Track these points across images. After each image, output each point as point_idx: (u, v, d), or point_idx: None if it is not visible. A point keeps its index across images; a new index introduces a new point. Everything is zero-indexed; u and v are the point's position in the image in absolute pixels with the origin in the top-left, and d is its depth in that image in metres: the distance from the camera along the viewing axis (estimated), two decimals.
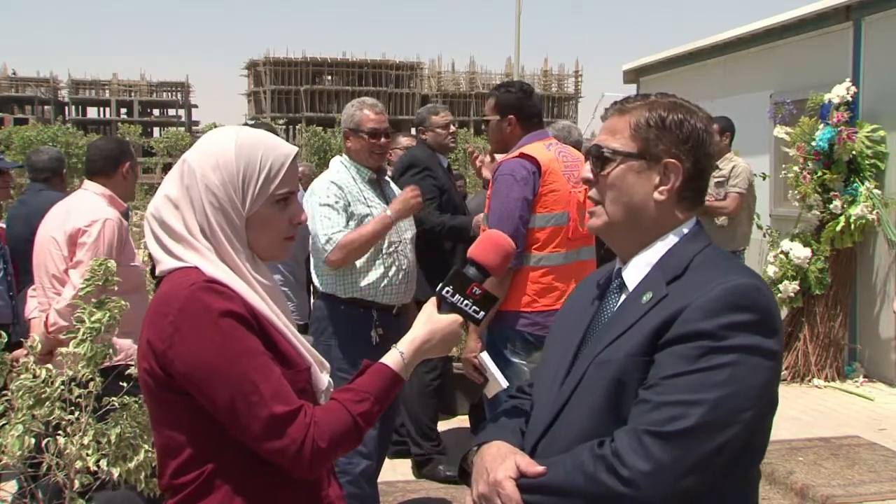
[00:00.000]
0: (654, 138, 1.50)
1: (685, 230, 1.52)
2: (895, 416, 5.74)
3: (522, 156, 3.37)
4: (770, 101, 7.34)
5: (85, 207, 3.58)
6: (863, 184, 6.42)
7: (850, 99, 6.47)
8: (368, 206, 3.61)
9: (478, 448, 1.56)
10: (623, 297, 1.53)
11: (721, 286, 1.37)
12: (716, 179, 6.53)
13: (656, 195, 1.50)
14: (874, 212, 6.32)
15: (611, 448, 1.34)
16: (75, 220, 3.51)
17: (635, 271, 1.52)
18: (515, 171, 3.33)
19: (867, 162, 6.42)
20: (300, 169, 7.48)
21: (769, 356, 1.35)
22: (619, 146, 1.52)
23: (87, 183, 3.73)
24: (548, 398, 1.54)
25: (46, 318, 3.47)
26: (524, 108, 3.54)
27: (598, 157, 1.54)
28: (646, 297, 1.45)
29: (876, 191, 6.38)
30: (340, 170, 3.70)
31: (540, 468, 1.40)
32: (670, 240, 1.51)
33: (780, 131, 6.87)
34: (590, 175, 1.55)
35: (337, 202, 3.54)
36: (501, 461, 1.45)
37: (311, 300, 4.98)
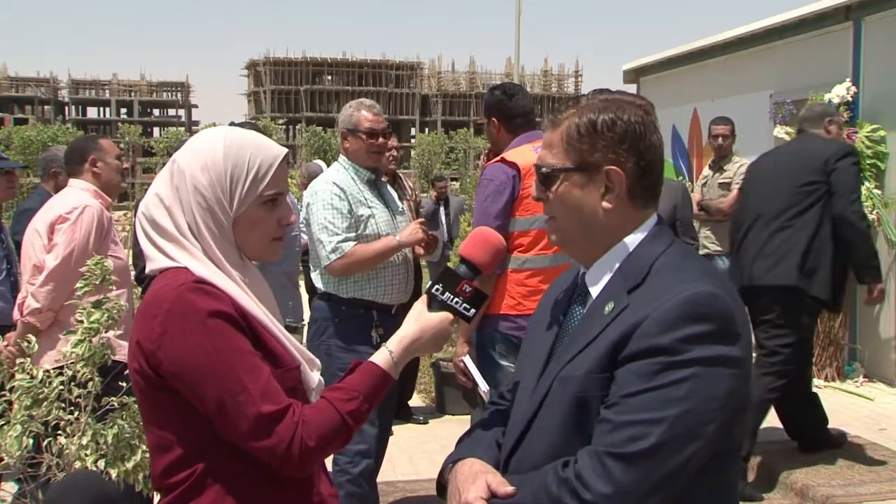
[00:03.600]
0: (589, 147, 1.45)
1: (645, 230, 1.48)
2: (895, 416, 5.74)
3: (503, 160, 3.39)
4: (770, 101, 7.34)
5: (67, 199, 3.63)
6: (863, 184, 6.41)
7: (850, 99, 6.47)
8: (369, 207, 3.62)
9: (453, 465, 1.55)
10: (587, 306, 1.50)
11: (678, 296, 1.33)
12: (721, 181, 6.55)
13: (604, 204, 1.45)
14: (874, 212, 6.31)
15: (574, 470, 1.32)
16: (56, 210, 3.55)
17: (597, 278, 1.49)
18: (495, 175, 3.35)
19: (867, 162, 6.41)
20: (303, 169, 7.48)
21: (732, 364, 1.32)
22: (557, 162, 1.47)
23: (70, 181, 3.79)
24: (519, 412, 1.53)
25: (22, 302, 3.47)
26: (504, 109, 3.55)
27: (541, 176, 1.50)
28: (608, 307, 1.42)
29: (876, 191, 6.38)
30: (339, 170, 3.70)
31: (510, 489, 1.39)
32: (630, 242, 1.47)
33: (780, 131, 6.88)
34: (537, 193, 1.52)
35: (340, 203, 3.54)
36: (473, 481, 1.43)
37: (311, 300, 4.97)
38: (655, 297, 1.35)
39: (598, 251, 1.49)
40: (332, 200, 3.54)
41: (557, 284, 1.67)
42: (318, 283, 3.68)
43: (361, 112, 3.71)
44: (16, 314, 3.80)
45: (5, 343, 3.54)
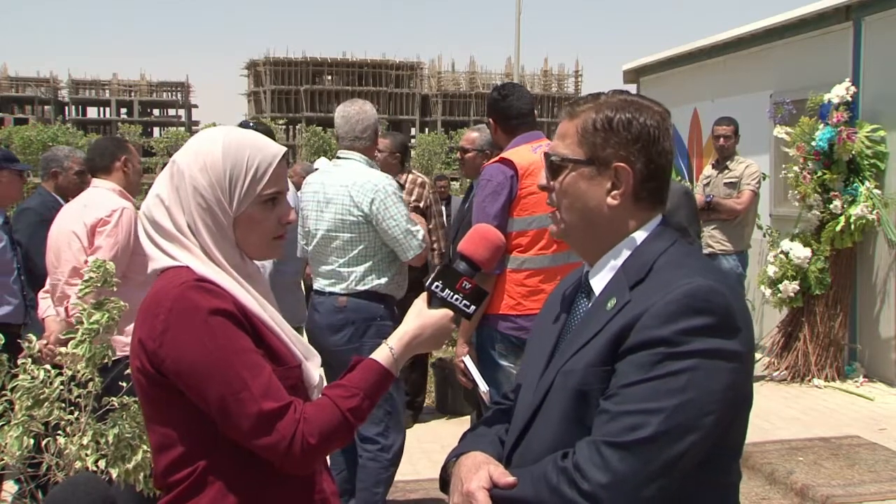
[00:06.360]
0: (602, 142, 1.47)
1: (648, 230, 1.50)
2: (895, 416, 5.73)
3: (502, 160, 3.41)
4: (770, 101, 7.33)
5: (102, 200, 3.65)
6: (863, 184, 6.41)
7: (849, 99, 6.46)
8: None
9: (456, 459, 1.56)
10: (590, 303, 1.52)
11: (678, 290, 1.34)
12: (726, 180, 6.57)
13: (609, 200, 1.47)
14: (874, 212, 6.31)
15: (572, 460, 1.33)
16: (95, 212, 3.57)
17: (600, 276, 1.51)
18: (494, 176, 3.37)
19: (867, 162, 6.41)
20: (296, 167, 7.47)
21: (731, 358, 1.33)
22: (568, 153, 1.49)
23: (95, 181, 3.82)
24: (523, 407, 1.54)
25: (67, 306, 3.49)
26: (499, 110, 3.58)
27: (550, 165, 1.52)
28: (610, 303, 1.43)
29: (876, 191, 6.37)
30: (374, 170, 3.79)
31: (511, 479, 1.41)
32: (633, 241, 1.49)
33: (780, 131, 6.87)
34: (544, 182, 1.54)
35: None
36: (475, 471, 1.45)
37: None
38: (656, 292, 1.36)
39: (601, 247, 1.51)
40: (399, 194, 3.68)
41: (563, 284, 1.68)
42: (378, 282, 3.65)
43: None
44: (41, 312, 3.88)
45: (45, 342, 3.58)
